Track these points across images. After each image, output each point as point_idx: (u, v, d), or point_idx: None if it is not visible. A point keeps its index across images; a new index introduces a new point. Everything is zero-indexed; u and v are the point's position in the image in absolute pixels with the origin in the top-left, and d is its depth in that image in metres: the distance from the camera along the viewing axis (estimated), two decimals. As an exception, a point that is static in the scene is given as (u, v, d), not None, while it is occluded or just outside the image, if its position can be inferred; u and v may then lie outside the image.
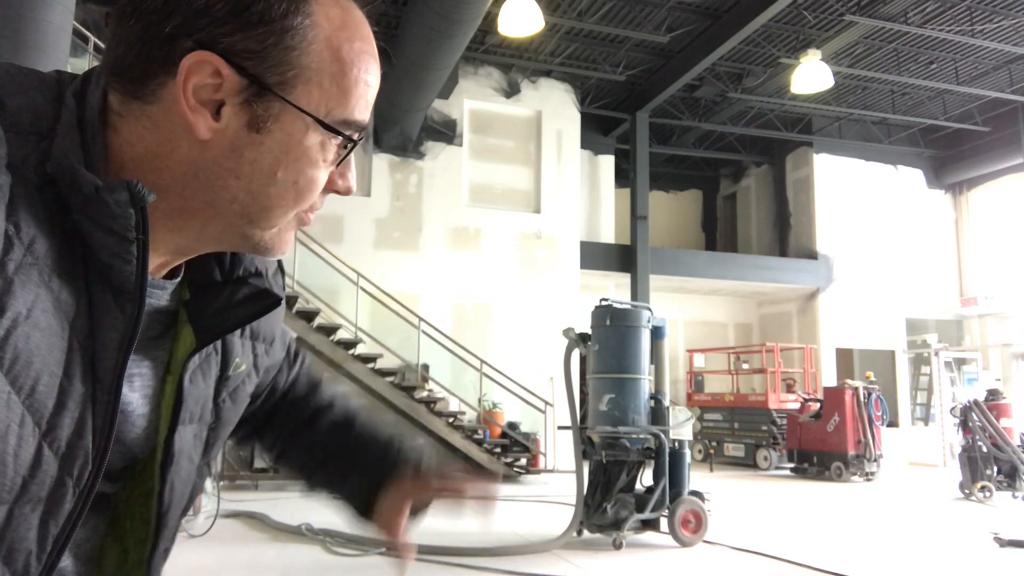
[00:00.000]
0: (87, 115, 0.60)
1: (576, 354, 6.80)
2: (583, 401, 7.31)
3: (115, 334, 0.60)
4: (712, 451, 13.72)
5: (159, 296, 0.69)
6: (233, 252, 0.74)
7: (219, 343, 0.75)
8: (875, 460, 11.73)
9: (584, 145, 14.95)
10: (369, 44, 0.66)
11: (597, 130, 15.70)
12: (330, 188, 0.68)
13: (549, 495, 9.24)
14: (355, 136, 0.66)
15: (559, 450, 11.80)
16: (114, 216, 0.57)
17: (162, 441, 0.69)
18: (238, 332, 0.77)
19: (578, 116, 14.53)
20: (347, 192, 0.70)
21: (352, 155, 0.68)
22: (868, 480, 11.73)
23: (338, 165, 0.67)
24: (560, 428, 11.91)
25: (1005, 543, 6.50)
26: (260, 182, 0.63)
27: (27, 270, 0.54)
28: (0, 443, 0.52)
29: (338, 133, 0.64)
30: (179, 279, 0.71)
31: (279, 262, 0.80)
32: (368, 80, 0.66)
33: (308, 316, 10.55)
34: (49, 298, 0.55)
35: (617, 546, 6.07)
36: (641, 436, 6.40)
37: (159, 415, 0.69)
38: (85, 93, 0.62)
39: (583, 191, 14.96)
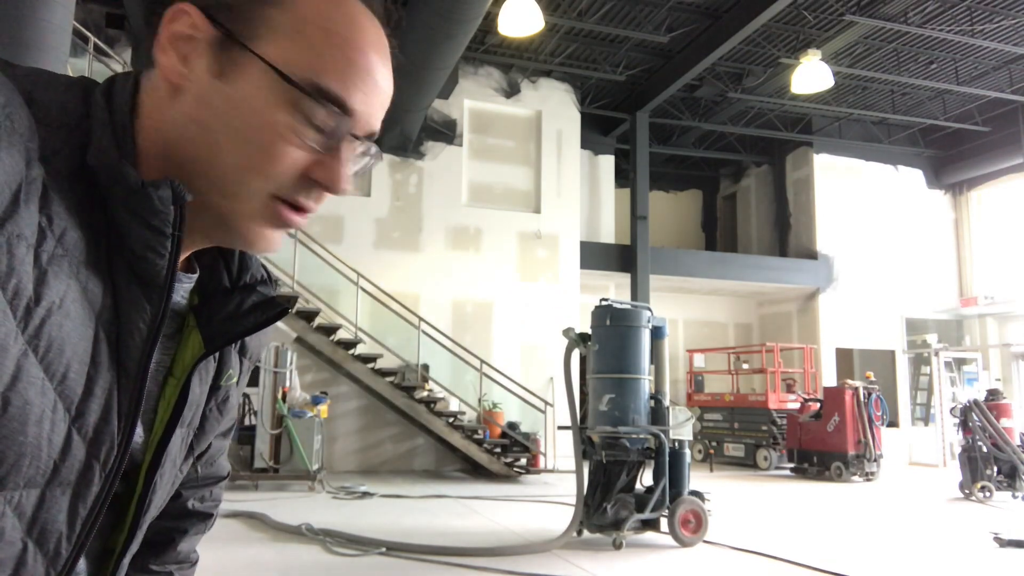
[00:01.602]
0: (115, 110, 0.63)
1: (576, 354, 6.80)
2: (583, 401, 7.31)
3: (142, 325, 0.62)
4: (712, 451, 13.71)
5: (176, 290, 0.70)
6: (241, 258, 0.76)
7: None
8: (875, 460, 11.73)
9: (584, 145, 14.96)
10: (359, 29, 0.65)
11: (597, 130, 15.70)
12: (308, 175, 0.64)
13: (549, 495, 9.23)
14: (324, 103, 0.62)
15: (559, 450, 11.81)
16: (156, 211, 0.60)
17: (154, 443, 0.69)
18: (232, 343, 0.78)
19: (578, 116, 14.53)
20: (330, 184, 0.65)
21: (342, 151, 0.64)
22: (868, 480, 11.72)
23: (327, 152, 0.64)
24: (560, 428, 11.92)
25: (1005, 543, 6.50)
26: (227, 136, 0.62)
27: (59, 261, 0.56)
28: (36, 428, 0.54)
29: (300, 89, 0.61)
30: (197, 275, 0.73)
31: (271, 277, 0.81)
32: (358, 61, 0.64)
33: (308, 316, 10.57)
34: (78, 288, 0.57)
35: (617, 546, 6.07)
36: (641, 436, 6.40)
37: (154, 417, 0.70)
38: (112, 92, 0.64)
39: (583, 191, 14.97)
